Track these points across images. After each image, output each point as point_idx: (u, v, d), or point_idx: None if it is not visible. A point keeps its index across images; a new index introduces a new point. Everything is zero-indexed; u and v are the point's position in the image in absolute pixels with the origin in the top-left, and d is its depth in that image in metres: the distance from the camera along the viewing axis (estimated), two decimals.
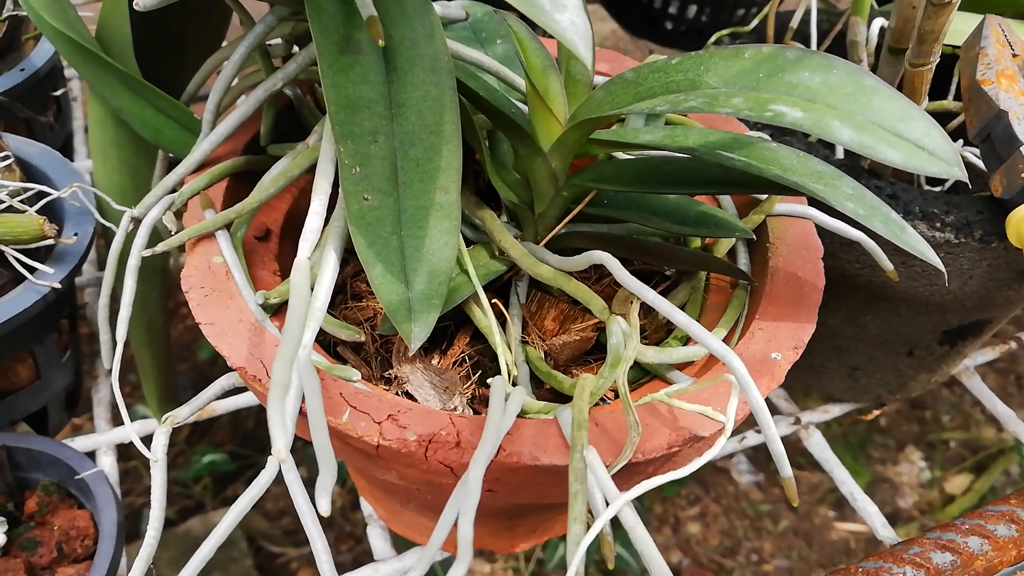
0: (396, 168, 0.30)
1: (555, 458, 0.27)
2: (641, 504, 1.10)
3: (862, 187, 0.31)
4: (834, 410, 0.54)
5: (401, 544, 0.47)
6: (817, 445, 0.52)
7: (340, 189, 0.29)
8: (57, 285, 0.43)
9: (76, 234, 0.46)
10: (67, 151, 0.69)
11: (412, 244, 0.30)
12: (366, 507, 0.47)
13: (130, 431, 0.31)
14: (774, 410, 0.54)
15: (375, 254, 0.29)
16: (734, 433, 0.52)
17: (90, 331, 0.58)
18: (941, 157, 0.26)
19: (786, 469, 0.26)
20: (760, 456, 1.19)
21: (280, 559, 1.05)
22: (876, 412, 0.54)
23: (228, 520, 0.26)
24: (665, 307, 0.28)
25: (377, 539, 0.46)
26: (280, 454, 0.19)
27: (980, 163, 0.44)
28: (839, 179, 0.31)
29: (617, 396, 0.34)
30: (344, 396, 0.29)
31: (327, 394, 0.29)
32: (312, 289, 0.29)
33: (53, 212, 0.49)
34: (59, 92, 0.65)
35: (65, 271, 0.44)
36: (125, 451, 1.08)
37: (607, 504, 0.25)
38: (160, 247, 0.33)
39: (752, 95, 0.28)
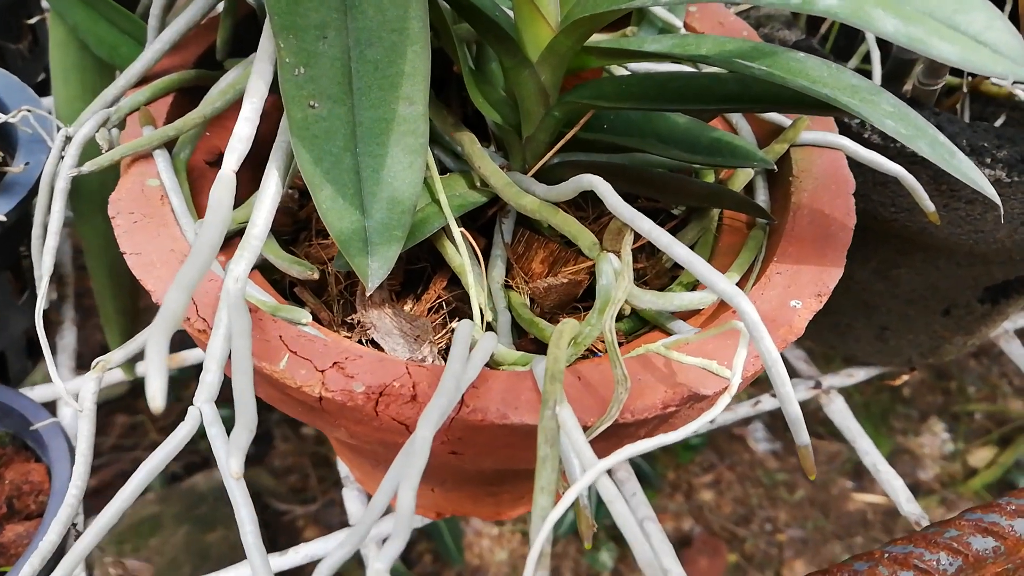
0: (350, 71, 0.25)
1: (526, 416, 0.23)
2: (653, 470, 1.06)
3: (904, 104, 0.26)
4: (859, 374, 0.50)
5: None
6: (839, 412, 0.48)
7: (281, 93, 0.24)
8: (2, 218, 0.39)
9: (27, 163, 0.42)
10: (46, 86, 0.65)
11: (369, 163, 0.26)
12: (342, 467, 0.43)
13: (58, 384, 0.27)
14: (792, 372, 0.50)
15: (323, 173, 0.25)
16: (748, 396, 0.48)
17: (57, 272, 0.54)
18: (1006, 54, 0.21)
19: (803, 435, 0.22)
20: (778, 424, 1.15)
21: (286, 516, 1.02)
22: (905, 377, 0.49)
23: (144, 471, 0.22)
24: (663, 239, 0.23)
25: (352, 502, 0.42)
26: (155, 401, 0.15)
27: None
28: (878, 94, 0.26)
29: (619, 344, 0.30)
30: (284, 339, 0.24)
31: (264, 336, 0.24)
32: (252, 214, 0.25)
33: (8, 139, 0.45)
34: (33, 20, 0.60)
35: (13, 202, 0.40)
36: (133, 404, 1.06)
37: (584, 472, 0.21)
38: (87, 166, 0.29)
39: None
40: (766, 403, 0.48)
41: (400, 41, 0.25)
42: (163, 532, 0.93)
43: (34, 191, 0.41)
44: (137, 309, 0.47)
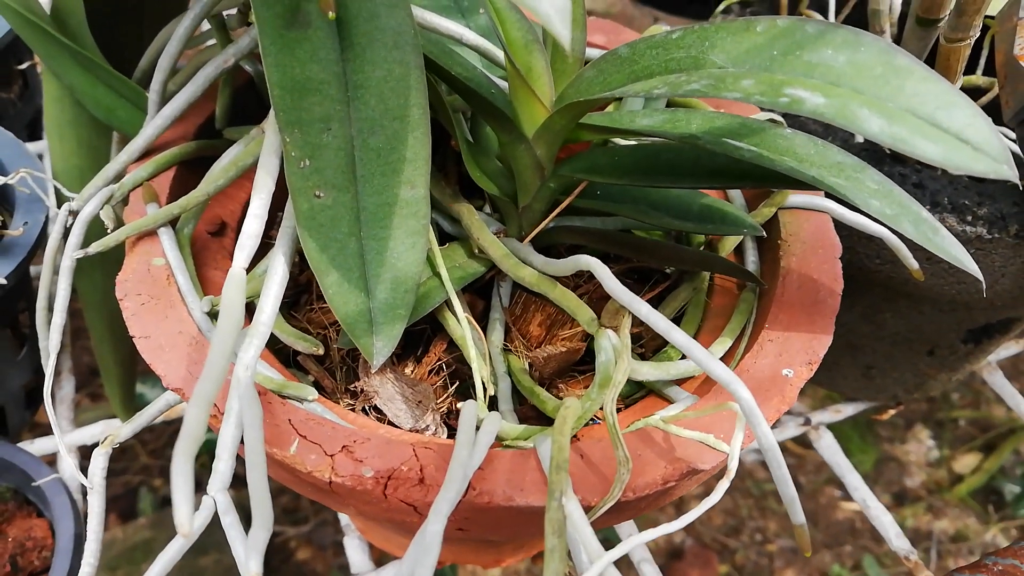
0: (354, 160, 0.26)
1: (532, 498, 0.24)
2: None
3: (888, 181, 0.27)
4: (847, 409, 0.51)
5: (382, 557, 0.44)
6: (828, 447, 0.49)
7: (287, 184, 0.25)
8: (2, 281, 0.39)
9: (26, 223, 0.42)
10: (36, 128, 0.65)
11: (373, 247, 0.26)
12: (343, 516, 0.44)
13: (60, 444, 0.28)
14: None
15: (329, 259, 0.26)
16: None
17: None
18: (987, 152, 0.22)
19: (798, 516, 0.23)
20: (781, 420, 1.16)
21: (278, 538, 1.02)
22: (891, 412, 0.50)
23: (160, 564, 0.23)
24: (661, 324, 0.24)
25: (355, 551, 0.43)
26: (183, 528, 0.15)
27: (1016, 147, 0.40)
28: (862, 171, 0.27)
29: (617, 411, 0.31)
30: (293, 423, 0.25)
31: (274, 421, 0.25)
32: (259, 300, 0.25)
33: (5, 199, 0.45)
34: (24, 66, 0.61)
35: (12, 264, 0.40)
36: (118, 423, 1.06)
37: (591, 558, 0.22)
38: (93, 248, 0.29)
39: (765, 77, 0.23)
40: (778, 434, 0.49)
41: (402, 128, 0.26)
42: (155, 557, 0.93)
43: (33, 251, 0.42)
44: (136, 362, 0.48)
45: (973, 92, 0.46)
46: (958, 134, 0.22)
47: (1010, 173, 0.22)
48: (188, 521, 0.16)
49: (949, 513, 1.14)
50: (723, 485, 0.22)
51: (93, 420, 0.47)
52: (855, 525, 1.13)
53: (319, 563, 0.99)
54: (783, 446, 0.49)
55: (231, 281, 0.22)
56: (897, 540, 0.45)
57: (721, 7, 0.48)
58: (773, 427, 0.49)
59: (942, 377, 0.48)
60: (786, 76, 0.23)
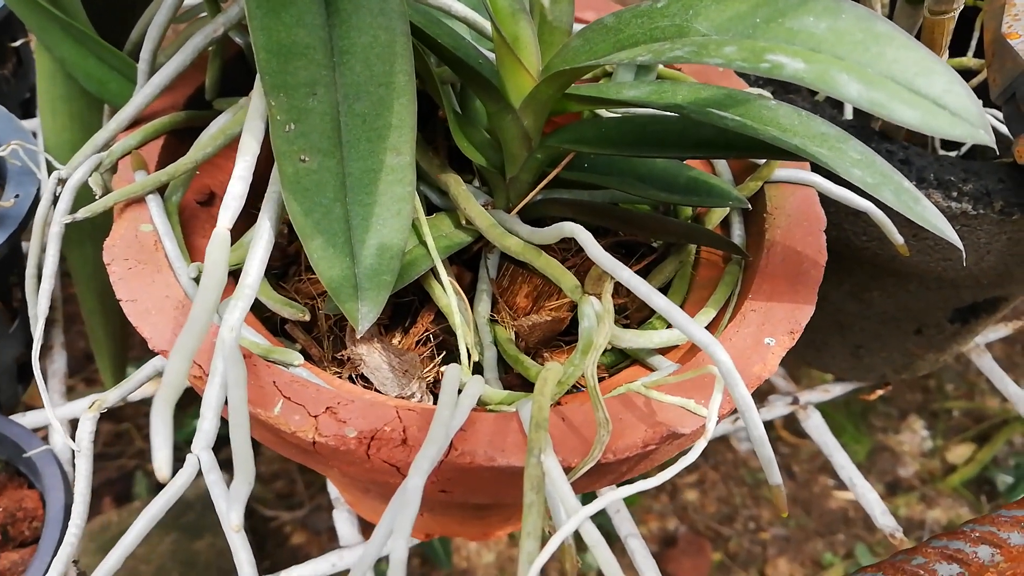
0: (339, 125, 0.26)
1: (513, 458, 0.24)
2: None
3: (871, 152, 0.27)
4: (835, 389, 0.51)
5: (369, 529, 0.44)
6: (816, 427, 0.49)
7: (272, 149, 0.25)
8: None
9: (17, 196, 0.42)
10: (31, 106, 0.65)
11: (359, 212, 0.27)
12: (332, 489, 0.44)
13: (50, 413, 0.28)
14: (771, 388, 0.51)
15: (313, 223, 0.26)
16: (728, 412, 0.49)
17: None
18: (964, 117, 0.22)
19: (775, 476, 0.23)
20: (769, 400, 1.17)
21: (274, 523, 1.03)
22: (879, 392, 0.51)
23: (143, 520, 0.23)
24: (642, 288, 0.24)
25: (343, 524, 0.43)
26: (161, 471, 0.16)
27: (1003, 127, 0.40)
28: (845, 142, 0.27)
29: (600, 379, 0.31)
30: (278, 385, 0.25)
31: (259, 383, 0.25)
32: (244, 264, 0.25)
33: None
34: (18, 43, 0.61)
35: (3, 236, 0.41)
36: (119, 412, 1.06)
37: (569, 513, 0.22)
38: (81, 213, 0.29)
39: (747, 43, 0.24)
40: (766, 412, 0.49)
41: (387, 95, 0.26)
42: (150, 540, 0.93)
43: (24, 223, 0.42)
44: (127, 333, 0.48)
45: (964, 73, 0.46)
46: (936, 100, 0.22)
47: (986, 137, 0.22)
48: (167, 466, 0.16)
49: (942, 503, 1.14)
50: (700, 444, 0.23)
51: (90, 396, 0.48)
52: (848, 514, 1.13)
53: (314, 548, 1.00)
54: (776, 430, 0.49)
55: (215, 240, 0.23)
56: (883, 518, 0.46)
57: None
58: (761, 406, 0.49)
59: (930, 357, 0.48)
60: (768, 43, 0.23)
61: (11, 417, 0.46)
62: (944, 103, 0.22)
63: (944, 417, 1.24)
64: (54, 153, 0.46)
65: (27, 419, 0.47)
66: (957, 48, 0.46)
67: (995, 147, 0.22)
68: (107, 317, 0.47)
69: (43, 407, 0.47)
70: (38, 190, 0.43)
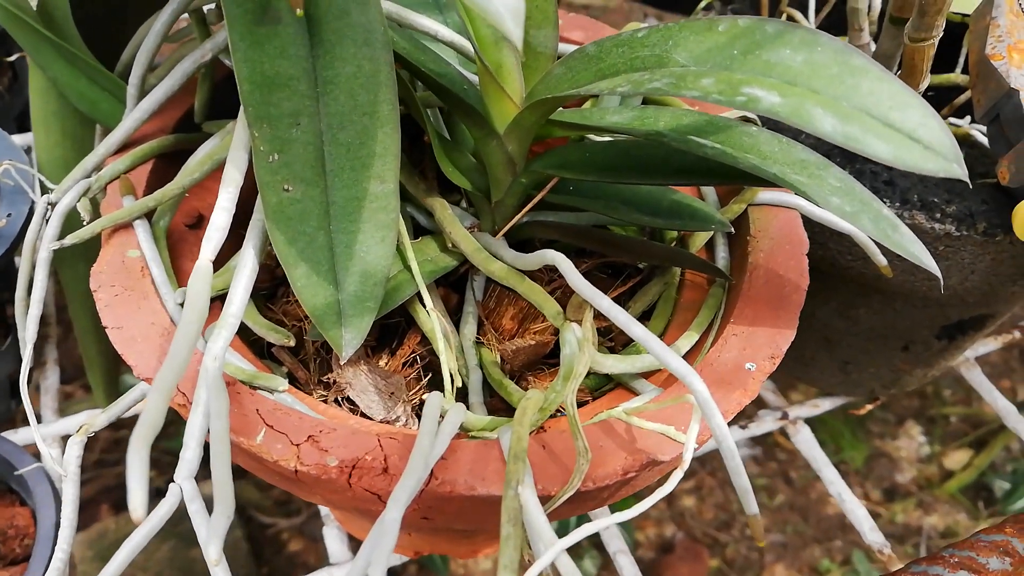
0: (323, 154, 0.26)
1: (493, 487, 0.24)
2: None
3: (851, 179, 0.27)
4: (824, 404, 0.51)
5: (359, 545, 0.44)
6: (805, 441, 0.49)
7: (256, 178, 0.25)
8: None
9: (9, 215, 0.43)
10: (25, 120, 0.65)
11: (342, 240, 0.27)
12: (324, 507, 0.44)
13: (35, 434, 0.28)
14: (760, 403, 0.51)
15: (297, 252, 0.26)
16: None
17: (42, 312, 0.55)
18: (938, 151, 0.22)
19: (751, 506, 0.23)
20: (759, 415, 1.17)
21: (271, 530, 1.03)
22: (868, 407, 0.51)
23: (128, 548, 0.23)
24: (620, 317, 0.25)
25: (333, 541, 0.43)
26: (136, 512, 0.16)
27: (987, 143, 0.40)
28: (825, 169, 0.27)
29: (584, 403, 0.31)
30: (260, 413, 0.26)
31: (242, 411, 0.25)
32: (229, 292, 0.26)
33: None
34: (13, 58, 0.61)
35: None
36: (117, 419, 1.07)
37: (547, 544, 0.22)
38: (69, 239, 0.30)
39: (724, 75, 0.24)
40: (736, 433, 0.49)
41: (371, 124, 0.27)
42: (147, 548, 0.93)
43: (17, 241, 0.42)
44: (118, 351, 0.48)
45: (951, 90, 0.46)
46: (910, 133, 0.22)
47: (960, 171, 0.22)
48: (142, 507, 0.16)
49: (939, 509, 1.14)
50: (677, 475, 0.23)
51: (82, 411, 0.48)
52: (845, 520, 1.13)
53: (311, 555, 1.00)
54: (773, 435, 0.49)
55: (197, 272, 0.23)
56: (871, 534, 0.46)
57: (703, 4, 0.49)
58: (750, 422, 0.50)
59: (917, 372, 0.48)
60: (745, 75, 0.24)
61: (3, 434, 0.46)
62: (918, 136, 0.22)
63: (941, 423, 1.24)
64: (47, 168, 0.47)
65: (19, 435, 0.47)
66: (945, 64, 0.46)
67: (968, 181, 0.22)
68: (99, 335, 0.47)
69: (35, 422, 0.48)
70: (31, 208, 0.44)
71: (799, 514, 1.13)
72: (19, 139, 0.62)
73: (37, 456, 0.46)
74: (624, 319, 0.25)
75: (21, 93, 0.63)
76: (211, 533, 0.20)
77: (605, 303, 0.25)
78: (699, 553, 1.08)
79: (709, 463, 1.17)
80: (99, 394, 0.47)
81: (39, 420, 0.47)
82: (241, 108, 0.25)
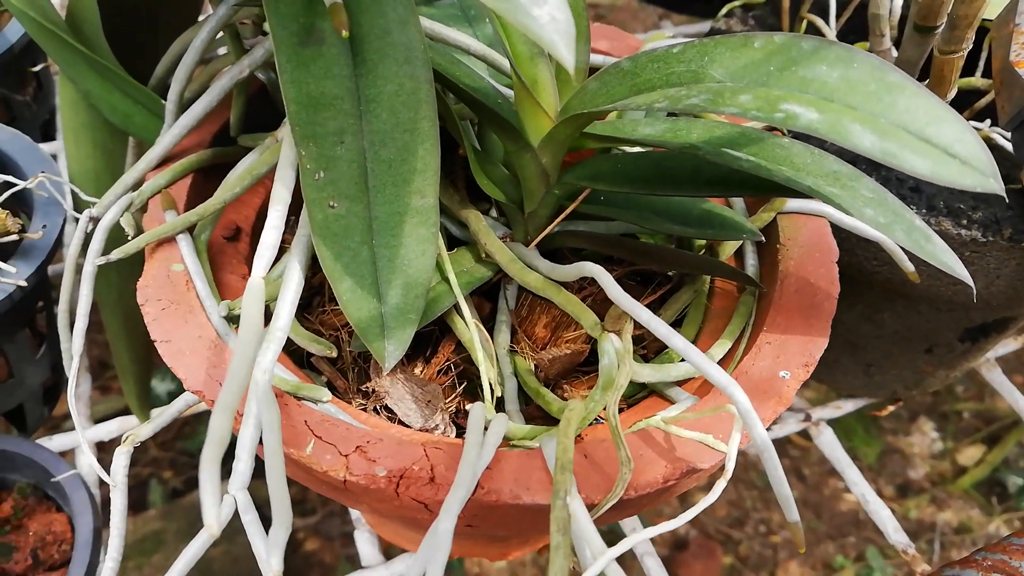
0: (366, 171, 0.27)
1: (538, 496, 0.25)
2: None
3: (883, 189, 0.27)
4: (847, 406, 0.52)
5: (391, 549, 0.45)
6: (828, 443, 0.50)
7: (303, 195, 0.26)
8: (23, 283, 0.41)
9: (44, 226, 0.43)
10: (50, 128, 0.66)
11: (385, 254, 0.27)
12: (353, 510, 0.45)
13: (83, 443, 0.29)
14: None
15: (343, 267, 0.27)
16: None
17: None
18: (975, 166, 0.23)
19: (792, 513, 0.24)
20: (782, 416, 1.17)
21: None
22: (890, 408, 0.51)
23: (184, 559, 0.24)
24: (661, 330, 0.25)
25: (365, 544, 0.44)
26: (211, 528, 0.16)
27: (1011, 148, 0.41)
28: (857, 180, 0.28)
29: (620, 411, 0.32)
30: (309, 424, 0.26)
31: (290, 422, 0.26)
32: (275, 307, 0.26)
33: (23, 201, 0.46)
34: (38, 68, 0.62)
35: (32, 267, 0.42)
36: (134, 419, 1.08)
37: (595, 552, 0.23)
38: (115, 254, 0.30)
39: (762, 92, 0.24)
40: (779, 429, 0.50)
41: (412, 140, 0.27)
42: (165, 548, 0.94)
43: (51, 254, 0.43)
44: (151, 358, 0.49)
45: (972, 93, 0.47)
46: (947, 148, 0.23)
47: (997, 187, 0.23)
48: (216, 521, 0.17)
49: (952, 505, 1.14)
50: (720, 484, 0.23)
51: (103, 412, 0.49)
52: (859, 516, 1.14)
53: (327, 554, 1.01)
54: (786, 439, 0.50)
55: (251, 291, 0.24)
56: (895, 534, 0.47)
57: (724, 10, 0.49)
58: (773, 424, 0.50)
59: (940, 374, 0.48)
60: (782, 91, 0.24)
61: (38, 440, 0.47)
62: (955, 152, 0.23)
63: (954, 419, 1.24)
64: (78, 181, 0.47)
65: (54, 442, 0.48)
66: (966, 67, 0.46)
67: (1005, 195, 0.23)
68: (131, 341, 0.48)
69: (67, 424, 0.48)
70: (64, 219, 0.44)
71: (812, 511, 1.13)
72: (45, 147, 0.63)
73: (71, 462, 0.46)
74: (665, 331, 0.25)
75: (46, 102, 0.64)
76: (271, 545, 0.21)
77: (645, 315, 0.25)
78: (713, 550, 1.08)
79: None
80: (131, 399, 0.48)
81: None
82: (287, 127, 0.26)
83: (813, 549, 1.11)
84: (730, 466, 0.24)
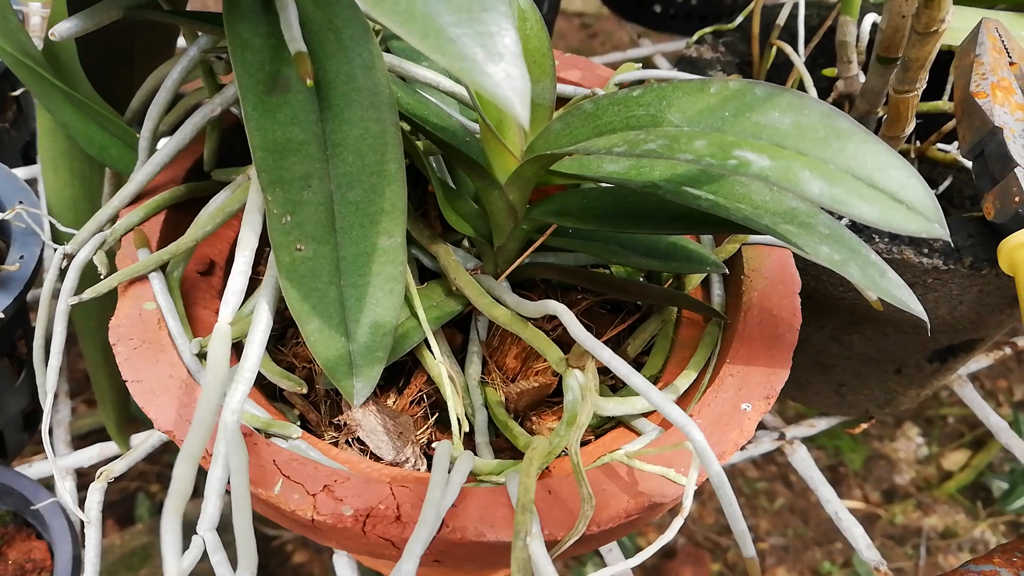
0: (333, 213, 0.28)
1: (502, 534, 0.25)
2: None
3: (839, 225, 0.28)
4: (820, 424, 0.53)
5: (368, 573, 0.46)
6: (801, 461, 0.50)
7: (269, 239, 0.27)
8: (0, 315, 0.41)
9: (22, 257, 0.44)
10: (30, 151, 0.66)
11: (353, 294, 0.28)
12: None
13: (56, 475, 0.29)
14: (758, 424, 0.52)
15: (310, 308, 0.27)
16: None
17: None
18: (921, 212, 0.23)
19: (749, 549, 0.24)
20: (756, 435, 1.18)
21: (275, 541, 1.04)
22: (863, 426, 0.52)
23: None
24: (622, 369, 0.26)
25: (343, 568, 0.44)
26: None
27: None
28: (814, 217, 0.28)
29: (587, 442, 0.32)
30: (277, 464, 0.27)
31: (259, 461, 0.27)
32: (245, 347, 0.27)
33: (0, 231, 0.46)
34: (18, 92, 0.62)
35: (10, 297, 0.42)
36: (114, 446, 1.08)
37: None
38: (87, 294, 0.31)
39: (716, 137, 0.25)
40: (753, 448, 0.50)
41: (379, 182, 0.28)
42: (153, 562, 0.94)
43: (29, 284, 0.43)
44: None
45: (939, 117, 0.48)
46: (894, 194, 0.23)
47: (942, 232, 0.23)
48: (178, 573, 0.17)
49: (938, 510, 1.15)
50: (677, 523, 0.24)
51: (89, 427, 0.49)
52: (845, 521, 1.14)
53: (315, 566, 1.01)
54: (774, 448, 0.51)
55: (217, 338, 0.24)
56: (867, 551, 0.47)
57: (695, 37, 0.50)
58: (748, 443, 0.51)
59: (911, 393, 0.49)
60: (736, 137, 0.25)
61: (18, 468, 0.47)
62: (901, 197, 0.23)
63: (939, 424, 1.25)
64: (56, 209, 0.48)
65: (33, 469, 0.48)
66: (933, 92, 0.47)
67: (949, 240, 0.23)
68: (109, 369, 0.48)
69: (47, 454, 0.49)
70: (42, 249, 0.45)
71: (799, 517, 1.14)
72: (23, 172, 0.63)
73: (51, 489, 0.47)
74: (625, 371, 0.26)
75: (26, 126, 0.64)
76: None
77: (606, 355, 0.26)
78: (701, 558, 1.09)
79: None
80: (111, 427, 0.48)
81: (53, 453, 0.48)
82: (254, 172, 0.26)
83: (800, 555, 1.12)
84: (687, 503, 0.25)
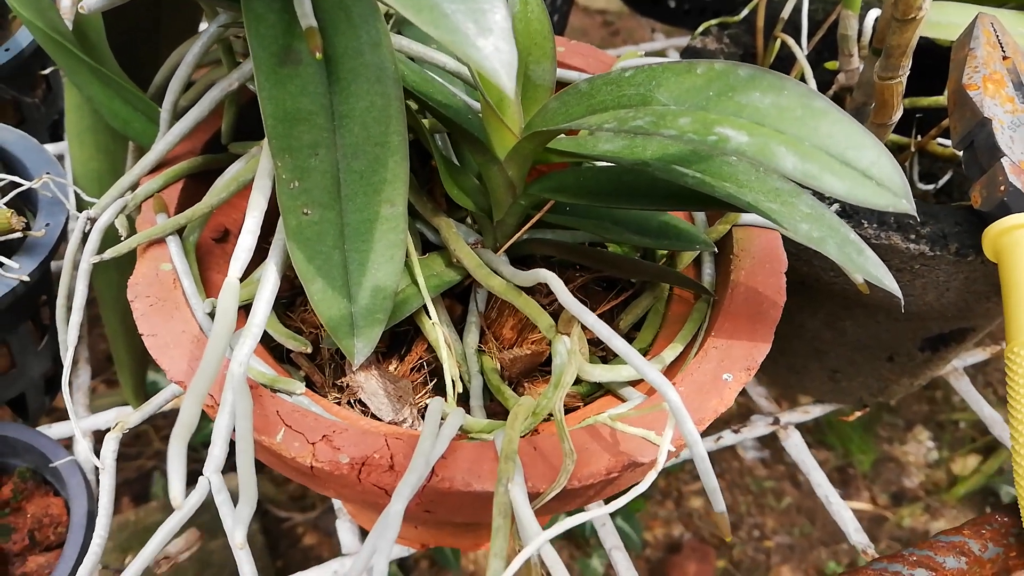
0: (339, 181, 0.29)
1: (488, 484, 0.27)
2: None
3: (821, 205, 0.29)
4: (815, 410, 0.54)
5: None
6: (795, 446, 0.52)
7: (278, 203, 0.28)
8: (26, 278, 0.43)
9: (48, 224, 0.46)
10: (58, 129, 0.69)
11: (355, 258, 0.30)
12: (336, 501, 0.47)
13: (76, 430, 0.31)
14: (753, 409, 0.54)
15: (315, 269, 0.29)
16: (710, 432, 0.52)
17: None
18: (889, 188, 0.25)
19: (719, 504, 0.26)
20: (751, 420, 1.19)
21: (286, 523, 1.06)
22: (858, 413, 0.53)
23: (159, 537, 0.26)
24: (604, 332, 0.27)
25: (345, 532, 0.46)
26: (176, 500, 0.19)
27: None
28: (797, 196, 0.30)
29: (575, 408, 0.34)
30: (280, 414, 0.28)
31: (263, 412, 0.28)
32: (253, 305, 0.28)
33: (28, 200, 0.48)
34: (47, 71, 0.64)
35: (35, 263, 0.44)
36: (130, 410, 1.11)
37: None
38: (108, 253, 0.33)
39: (700, 115, 0.26)
40: (727, 438, 0.52)
41: (382, 153, 0.29)
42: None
43: (53, 250, 0.45)
44: (146, 353, 0.51)
45: (941, 112, 0.49)
46: (864, 171, 0.25)
47: (908, 207, 0.25)
48: (180, 496, 0.19)
49: (947, 514, 1.16)
50: (651, 474, 0.25)
51: (108, 406, 0.51)
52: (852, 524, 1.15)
53: (325, 548, 1.03)
54: (779, 444, 0.52)
55: (226, 290, 0.26)
56: (856, 535, 0.48)
57: (700, 29, 0.51)
58: (742, 426, 0.52)
59: (904, 382, 0.50)
60: (718, 115, 0.26)
61: (38, 428, 0.49)
62: (871, 174, 0.25)
63: (950, 428, 1.25)
64: (81, 181, 0.50)
65: (53, 430, 0.50)
66: (935, 87, 0.48)
67: (916, 215, 0.25)
68: (127, 337, 0.50)
69: (67, 413, 0.51)
70: (67, 218, 0.47)
71: (806, 516, 1.15)
72: (52, 148, 0.66)
73: (70, 449, 0.49)
74: (607, 333, 0.27)
75: (54, 104, 0.67)
76: (236, 520, 0.23)
77: (591, 319, 0.28)
78: (706, 554, 1.10)
79: (718, 465, 1.19)
80: (127, 391, 0.50)
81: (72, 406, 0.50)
82: (265, 139, 0.28)
83: (806, 554, 1.13)
84: (661, 459, 0.26)
